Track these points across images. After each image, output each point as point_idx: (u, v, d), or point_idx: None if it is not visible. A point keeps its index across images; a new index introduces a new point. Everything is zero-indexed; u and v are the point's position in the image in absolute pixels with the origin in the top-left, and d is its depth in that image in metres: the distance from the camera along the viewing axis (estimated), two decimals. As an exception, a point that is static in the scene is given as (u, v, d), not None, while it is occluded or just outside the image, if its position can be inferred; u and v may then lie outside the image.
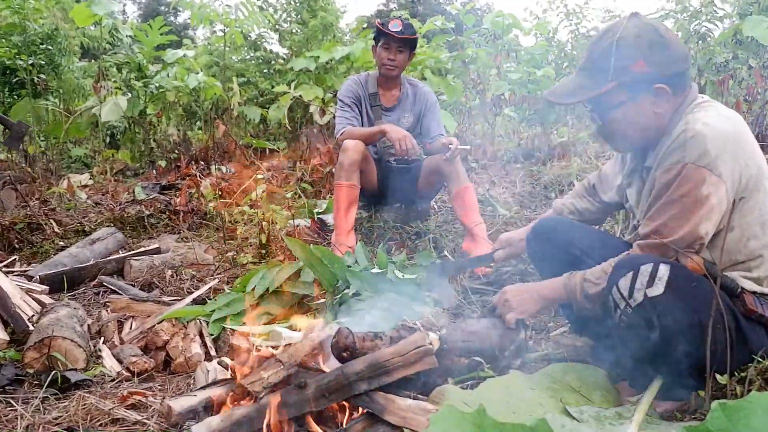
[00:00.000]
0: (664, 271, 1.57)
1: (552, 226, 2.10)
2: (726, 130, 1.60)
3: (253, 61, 7.45)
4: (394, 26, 3.45)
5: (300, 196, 4.47)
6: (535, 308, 1.92)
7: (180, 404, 1.67)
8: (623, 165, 2.01)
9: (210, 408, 1.68)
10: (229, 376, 1.78)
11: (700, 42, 5.46)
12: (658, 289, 1.56)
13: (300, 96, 6.16)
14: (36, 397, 1.90)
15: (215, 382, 1.80)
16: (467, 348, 1.88)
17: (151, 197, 4.81)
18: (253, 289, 2.57)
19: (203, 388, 1.79)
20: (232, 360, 1.79)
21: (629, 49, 1.65)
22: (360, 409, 1.60)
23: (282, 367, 1.59)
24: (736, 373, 1.65)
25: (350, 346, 1.68)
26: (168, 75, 6.34)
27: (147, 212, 4.38)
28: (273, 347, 1.73)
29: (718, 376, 1.63)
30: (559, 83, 1.86)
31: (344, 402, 1.60)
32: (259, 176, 4.55)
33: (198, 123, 7.45)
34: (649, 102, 1.68)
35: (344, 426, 1.59)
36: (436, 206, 4.24)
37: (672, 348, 1.59)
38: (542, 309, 1.96)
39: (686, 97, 1.71)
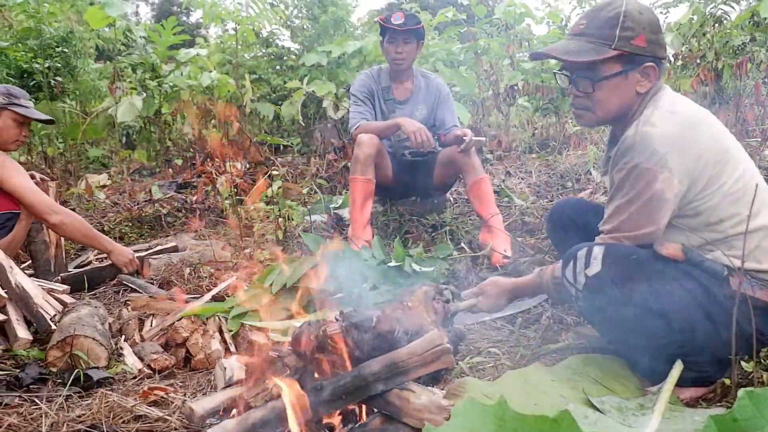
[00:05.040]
0: (598, 251, 1.67)
1: (569, 204, 2.21)
2: (672, 128, 1.65)
3: (265, 58, 7.46)
4: (397, 19, 3.43)
5: (316, 192, 4.47)
6: (504, 304, 2.04)
7: (201, 406, 1.67)
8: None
9: (232, 408, 1.68)
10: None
11: (717, 25, 5.37)
12: (595, 267, 1.66)
13: (313, 91, 6.16)
14: (59, 396, 1.93)
15: (237, 382, 1.80)
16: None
17: (167, 196, 4.85)
18: (271, 285, 2.58)
19: (225, 388, 1.80)
20: (248, 357, 1.78)
21: (633, 23, 1.69)
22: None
23: (288, 372, 1.58)
24: (751, 360, 1.63)
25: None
26: (182, 74, 6.36)
27: (164, 211, 4.41)
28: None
29: (743, 364, 1.61)
30: (556, 44, 1.87)
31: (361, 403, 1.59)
32: (275, 172, 4.57)
33: (212, 121, 7.48)
34: (635, 79, 1.74)
35: (364, 421, 1.59)
36: (452, 198, 4.23)
37: (635, 319, 1.65)
38: (509, 303, 2.07)
39: (656, 85, 1.76)
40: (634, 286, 1.62)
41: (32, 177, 3.25)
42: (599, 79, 1.73)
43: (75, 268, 3.48)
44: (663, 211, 1.65)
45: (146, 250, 3.57)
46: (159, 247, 3.62)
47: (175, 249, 3.61)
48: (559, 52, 1.78)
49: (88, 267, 3.37)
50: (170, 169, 6.08)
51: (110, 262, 3.23)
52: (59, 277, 3.12)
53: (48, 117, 3.31)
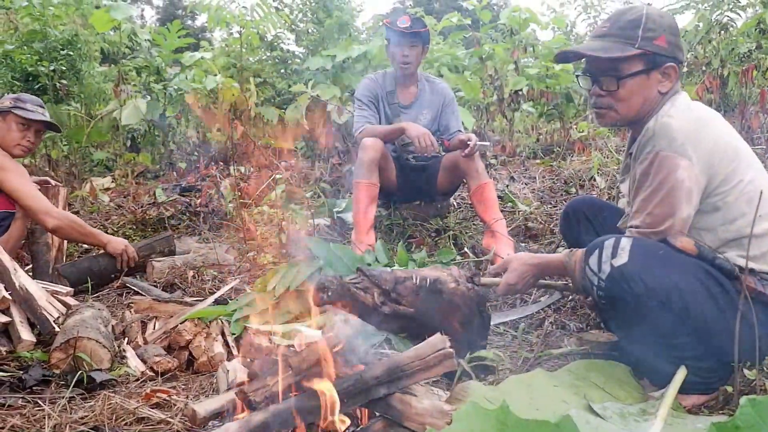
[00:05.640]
0: (625, 242, 1.67)
1: (585, 202, 2.23)
2: (687, 123, 1.71)
3: (269, 62, 7.47)
4: (403, 23, 3.45)
5: (319, 196, 4.48)
6: (533, 283, 2.06)
7: (204, 408, 1.67)
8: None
9: (235, 409, 1.68)
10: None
11: (722, 32, 5.35)
12: (622, 258, 1.65)
13: (317, 95, 6.16)
14: (63, 397, 1.93)
15: (239, 384, 1.80)
16: None
17: (171, 199, 4.86)
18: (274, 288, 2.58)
19: (228, 390, 1.80)
20: (250, 360, 1.78)
21: (654, 24, 1.78)
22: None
23: (290, 372, 1.58)
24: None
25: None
26: (186, 77, 6.38)
27: (168, 213, 4.42)
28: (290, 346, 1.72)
29: (746, 371, 1.61)
30: (582, 45, 1.96)
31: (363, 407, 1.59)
32: (278, 176, 4.56)
33: (217, 124, 7.50)
34: (657, 79, 1.80)
35: (365, 425, 1.59)
36: (455, 203, 4.23)
37: (655, 315, 1.65)
38: (536, 282, 2.08)
39: (675, 87, 1.82)
40: (658, 281, 1.63)
41: (46, 183, 3.27)
42: (623, 77, 1.79)
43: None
44: (687, 201, 1.67)
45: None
46: (152, 239, 3.63)
47: (170, 241, 3.62)
48: (585, 50, 1.85)
49: (84, 256, 3.39)
50: (174, 173, 6.10)
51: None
52: (56, 270, 3.12)
53: (50, 120, 3.31)
